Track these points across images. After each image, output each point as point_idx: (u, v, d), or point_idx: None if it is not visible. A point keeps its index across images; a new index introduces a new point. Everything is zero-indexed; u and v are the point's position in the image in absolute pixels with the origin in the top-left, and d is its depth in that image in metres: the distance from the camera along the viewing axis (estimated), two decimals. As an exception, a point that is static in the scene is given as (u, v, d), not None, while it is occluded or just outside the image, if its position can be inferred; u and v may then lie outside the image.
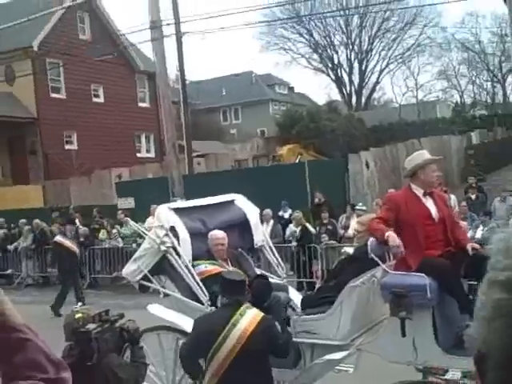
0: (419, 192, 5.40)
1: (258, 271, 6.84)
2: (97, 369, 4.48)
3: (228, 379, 4.65)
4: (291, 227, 14.70)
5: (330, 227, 14.18)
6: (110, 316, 4.84)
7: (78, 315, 4.71)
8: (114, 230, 17.33)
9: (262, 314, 4.93)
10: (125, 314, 4.93)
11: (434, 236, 5.28)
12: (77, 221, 18.35)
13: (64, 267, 14.32)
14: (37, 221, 18.64)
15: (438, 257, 5.20)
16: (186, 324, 5.85)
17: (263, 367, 4.86)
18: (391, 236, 5.03)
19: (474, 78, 51.45)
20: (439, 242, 5.30)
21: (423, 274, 4.96)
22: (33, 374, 1.76)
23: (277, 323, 6.03)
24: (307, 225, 14.43)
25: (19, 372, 1.76)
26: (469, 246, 5.33)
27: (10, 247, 18.79)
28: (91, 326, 4.56)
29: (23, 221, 19.11)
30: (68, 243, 14.31)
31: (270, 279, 6.62)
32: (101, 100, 32.63)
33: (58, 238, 14.62)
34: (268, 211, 14.35)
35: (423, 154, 5.61)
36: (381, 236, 5.11)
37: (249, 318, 4.76)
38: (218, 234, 6.31)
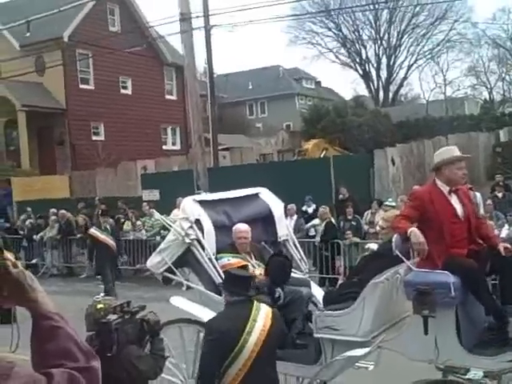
0: (445, 189, 5.30)
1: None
2: (117, 360, 4.51)
3: (254, 375, 4.65)
4: (315, 221, 14.66)
5: (354, 223, 14.13)
6: (130, 307, 4.87)
7: (100, 306, 4.74)
8: (139, 222, 17.41)
9: (269, 307, 4.93)
10: (147, 306, 4.96)
11: (460, 234, 5.22)
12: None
13: (99, 259, 14.25)
14: (63, 211, 18.83)
15: (464, 256, 5.15)
16: (209, 317, 5.88)
17: (275, 361, 4.90)
18: (414, 232, 4.96)
19: (503, 75, 50.71)
20: (464, 241, 5.24)
21: (447, 272, 4.91)
22: (64, 363, 1.78)
23: (299, 319, 6.06)
24: (332, 220, 14.38)
25: (50, 360, 1.79)
26: (501, 247, 5.25)
27: (36, 237, 19.02)
28: (112, 317, 4.58)
29: (53, 210, 19.27)
30: (102, 236, 14.00)
31: (292, 274, 6.62)
32: (128, 92, 32.86)
33: (92, 231, 14.37)
34: (292, 206, 14.33)
35: (452, 150, 5.51)
36: (403, 233, 5.05)
37: (264, 313, 4.77)
38: (242, 227, 6.32)
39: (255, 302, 4.84)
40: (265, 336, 4.66)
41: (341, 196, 16.47)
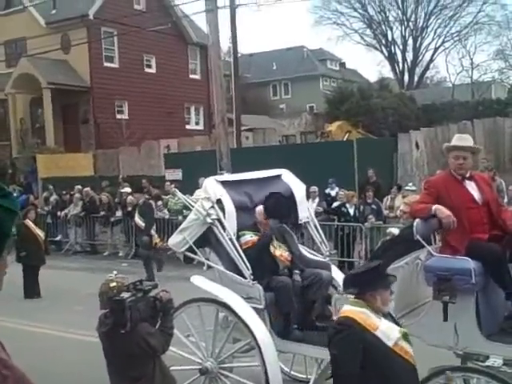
0: (458, 175, 5.29)
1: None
2: (130, 337, 4.59)
3: None
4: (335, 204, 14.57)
5: (374, 207, 14.02)
6: (143, 286, 4.94)
7: (113, 284, 4.81)
8: (160, 202, 17.33)
9: None
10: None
11: (479, 220, 5.17)
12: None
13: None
14: (86, 189, 18.96)
15: (485, 240, 5.11)
16: (228, 297, 5.92)
17: None
18: (439, 208, 4.95)
19: (532, 59, 49.83)
20: (484, 226, 5.19)
21: (468, 258, 4.88)
22: None
23: (318, 301, 6.07)
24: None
25: None
26: None
27: (61, 214, 19.20)
28: (125, 295, 4.66)
29: (78, 187, 19.45)
30: (135, 216, 13.84)
31: (313, 256, 6.64)
32: (153, 70, 32.85)
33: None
34: (315, 188, 14.29)
35: (456, 139, 5.44)
36: (427, 213, 5.01)
37: None
38: (265, 209, 6.36)
39: None
40: None
41: (369, 177, 16.33)
